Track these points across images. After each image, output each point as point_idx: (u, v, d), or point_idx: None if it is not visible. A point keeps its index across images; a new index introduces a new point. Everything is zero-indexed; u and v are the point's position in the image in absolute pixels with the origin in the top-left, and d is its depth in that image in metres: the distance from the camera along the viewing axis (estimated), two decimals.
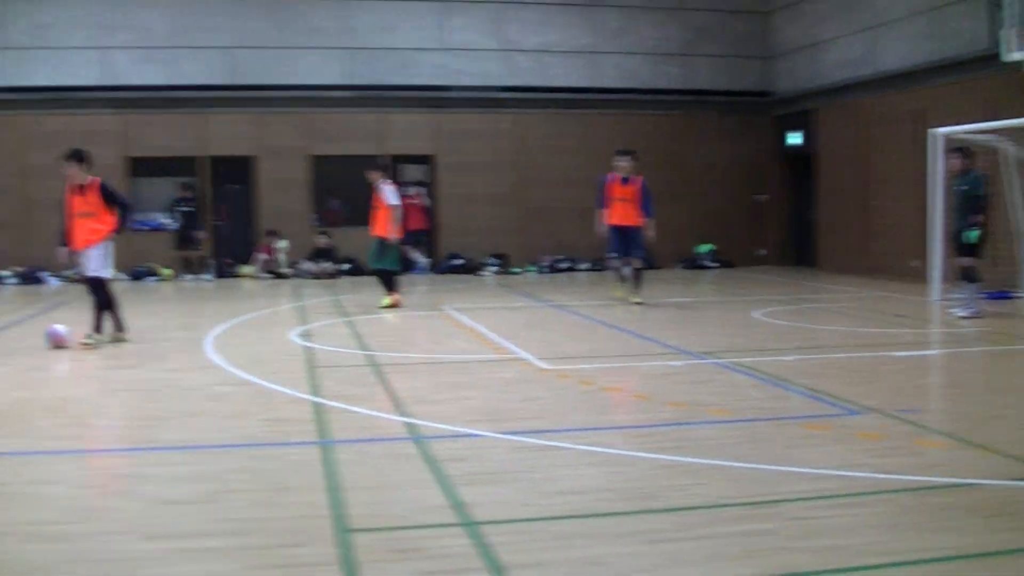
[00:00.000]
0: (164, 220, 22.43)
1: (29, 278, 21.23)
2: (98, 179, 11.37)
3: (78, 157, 11.36)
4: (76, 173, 11.32)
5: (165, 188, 22.47)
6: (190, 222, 21.64)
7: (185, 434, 6.96)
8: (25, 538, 4.84)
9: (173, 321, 14.43)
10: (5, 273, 21.53)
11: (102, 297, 11.37)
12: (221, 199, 22.58)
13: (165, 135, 22.14)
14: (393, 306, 14.88)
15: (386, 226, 14.90)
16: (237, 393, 8.46)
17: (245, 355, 10.56)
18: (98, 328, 11.35)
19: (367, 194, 15.58)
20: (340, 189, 22.81)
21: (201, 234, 21.71)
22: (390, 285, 15.10)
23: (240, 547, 4.67)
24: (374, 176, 15.20)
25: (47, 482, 5.79)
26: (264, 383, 8.77)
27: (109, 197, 11.31)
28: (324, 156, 22.47)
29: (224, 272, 21.95)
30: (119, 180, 21.61)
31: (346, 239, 21.89)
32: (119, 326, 11.61)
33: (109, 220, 11.29)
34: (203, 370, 9.66)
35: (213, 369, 9.71)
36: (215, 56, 22.28)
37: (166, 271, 21.81)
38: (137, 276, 21.68)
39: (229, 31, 22.23)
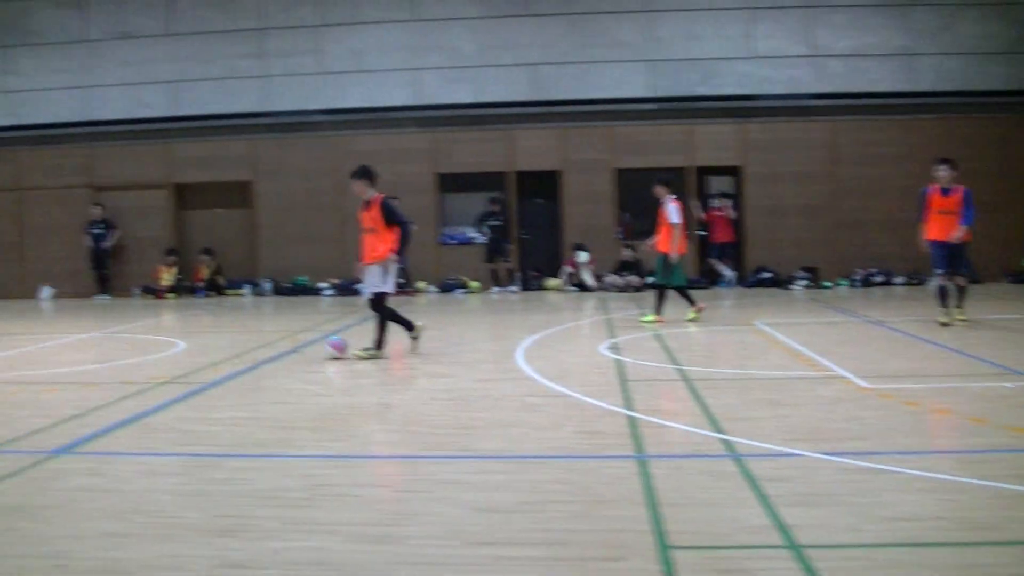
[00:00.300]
0: (473, 234, 23.07)
1: (345, 290, 22.33)
2: (380, 196, 11.66)
3: (363, 174, 11.71)
4: (362, 189, 11.67)
5: (473, 203, 23.12)
6: (499, 236, 22.16)
7: (501, 443, 7.00)
8: (351, 538, 4.96)
9: (482, 332, 14.74)
10: (323, 285, 22.77)
11: (381, 312, 11.69)
12: (527, 213, 22.95)
13: (473, 151, 22.80)
14: (694, 319, 14.74)
15: (668, 243, 14.68)
16: (550, 404, 8.46)
17: (555, 367, 10.59)
18: (379, 344, 11.68)
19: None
20: (645, 202, 22.68)
21: (509, 247, 22.17)
22: (688, 299, 14.93)
23: (558, 558, 4.61)
24: (660, 192, 15.01)
25: (372, 485, 5.94)
26: (576, 395, 8.74)
27: (389, 215, 11.57)
28: (628, 169, 22.43)
29: (530, 285, 22.34)
30: (429, 196, 22.50)
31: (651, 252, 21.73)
32: (378, 343, 11.74)
33: (389, 239, 11.54)
34: (515, 381, 9.74)
35: (524, 380, 9.78)
36: (520, 73, 22.75)
37: (474, 284, 22.40)
38: (446, 288, 22.40)
39: (533, 48, 22.64)
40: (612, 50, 22.56)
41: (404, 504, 5.51)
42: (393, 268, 11.67)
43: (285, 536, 5.03)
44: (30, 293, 24.08)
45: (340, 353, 11.68)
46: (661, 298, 14.95)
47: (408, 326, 12.01)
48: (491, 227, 22.29)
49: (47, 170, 24.64)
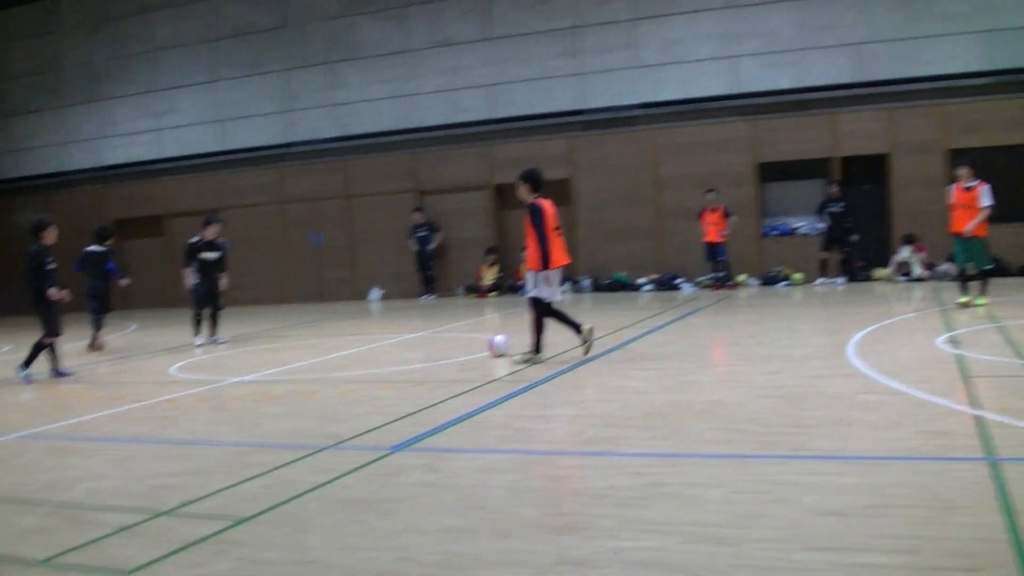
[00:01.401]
0: (795, 224, 22.50)
1: (664, 285, 22.32)
2: (533, 205, 11.51)
3: (526, 178, 11.68)
4: (525, 193, 11.64)
5: (794, 192, 22.55)
6: (839, 223, 21.31)
7: (837, 443, 6.75)
8: (689, 538, 4.90)
9: (810, 327, 14.34)
10: (642, 281, 22.83)
11: (534, 317, 11.67)
12: (853, 200, 22.05)
13: (794, 138, 22.19)
14: (967, 305, 14.58)
15: (970, 224, 14.58)
16: (886, 402, 8.08)
17: (889, 362, 10.13)
18: (536, 348, 11.68)
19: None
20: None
21: (854, 237, 21.29)
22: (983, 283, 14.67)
23: (906, 566, 4.37)
24: (964, 174, 14.72)
25: (707, 485, 5.86)
26: (914, 392, 8.31)
27: (534, 223, 11.46)
28: (963, 149, 21.07)
29: (856, 276, 21.50)
30: (749, 187, 22.09)
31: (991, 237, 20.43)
32: (535, 347, 11.71)
33: (533, 251, 11.49)
34: (847, 377, 9.38)
35: (857, 376, 9.40)
36: (842, 54, 21.97)
37: (797, 276, 21.82)
38: (768, 281, 21.94)
39: (857, 27, 21.80)
40: (941, 23, 21.37)
41: (740, 505, 5.40)
42: (543, 277, 11.56)
43: (622, 535, 5.04)
44: (360, 295, 25.56)
45: (500, 352, 12.02)
46: (979, 280, 14.84)
47: (536, 347, 11.78)
48: (831, 214, 21.43)
49: (373, 177, 26.06)
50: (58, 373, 13.44)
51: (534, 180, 11.69)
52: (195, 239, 17.27)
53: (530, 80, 24.35)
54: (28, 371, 13.17)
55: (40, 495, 6.70)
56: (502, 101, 24.62)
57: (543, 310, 11.73)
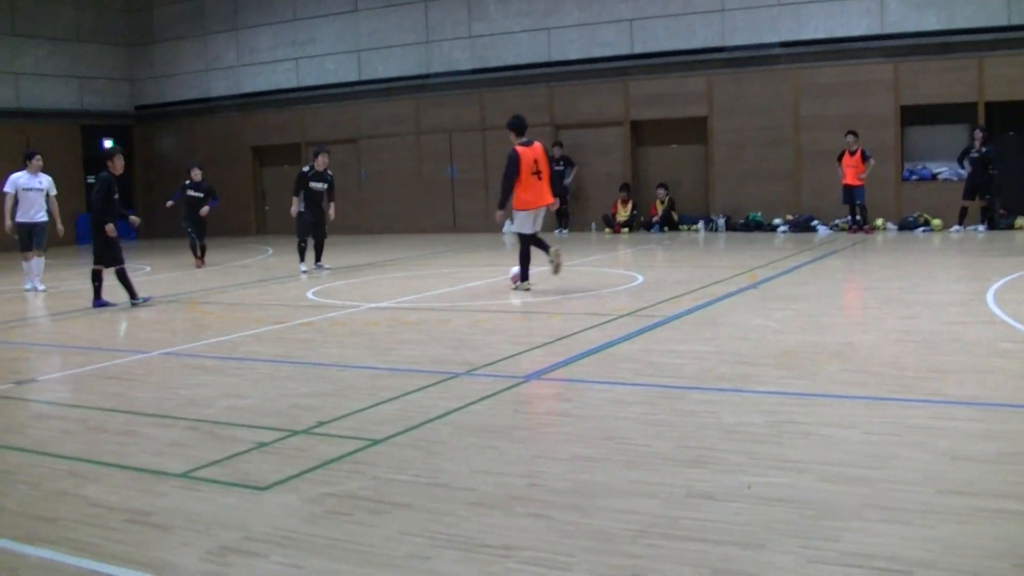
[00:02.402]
0: (936, 170, 21.90)
1: (800, 227, 22.00)
2: (511, 152, 12.76)
3: (510, 125, 12.86)
4: (513, 140, 12.78)
5: (937, 137, 21.91)
6: (983, 170, 20.41)
7: (974, 390, 6.66)
8: (822, 477, 4.92)
9: (949, 273, 14.03)
10: (777, 221, 22.53)
11: (521, 250, 13.05)
12: (998, 147, 21.21)
13: (939, 82, 21.46)
14: None
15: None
16: None
17: None
18: (523, 276, 13.05)
19: None
20: None
21: (995, 181, 20.43)
22: None
23: None
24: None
25: (840, 425, 5.85)
26: None
27: (506, 171, 12.84)
28: None
29: (998, 224, 20.80)
30: (890, 130, 21.51)
31: None
32: (524, 275, 13.06)
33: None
34: (987, 324, 9.19)
35: (997, 324, 9.20)
36: None
37: (936, 222, 21.26)
38: (906, 226, 21.43)
39: None
40: None
41: (873, 447, 5.39)
42: (520, 216, 12.94)
43: (752, 471, 5.09)
44: (494, 228, 25.72)
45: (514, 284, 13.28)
46: None
47: (545, 249, 13.02)
48: (974, 160, 20.55)
49: (510, 110, 26.04)
50: (101, 303, 13.37)
51: (516, 127, 12.87)
52: (306, 169, 17.52)
53: (671, 16, 23.98)
54: (139, 298, 13.35)
55: (179, 411, 7.00)
56: (642, 36, 24.33)
57: (527, 242, 13.00)
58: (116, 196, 13.27)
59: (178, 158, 28.96)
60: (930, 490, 4.66)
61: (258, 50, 29.93)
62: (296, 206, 17.24)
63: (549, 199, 13.01)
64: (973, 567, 3.78)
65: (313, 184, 17.31)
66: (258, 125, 30.14)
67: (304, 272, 17.00)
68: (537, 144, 13.04)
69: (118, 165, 13.26)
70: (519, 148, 12.72)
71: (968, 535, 4.11)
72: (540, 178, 12.78)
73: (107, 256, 13.26)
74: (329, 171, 17.62)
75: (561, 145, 24.89)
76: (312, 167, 17.39)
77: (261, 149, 30.42)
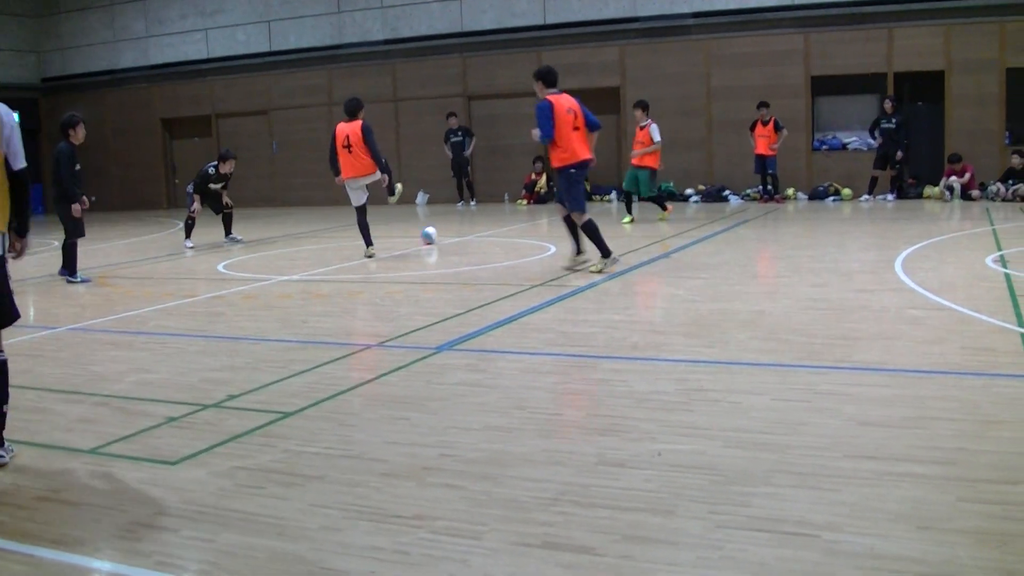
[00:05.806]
0: (846, 140, 22.21)
1: (712, 197, 22.21)
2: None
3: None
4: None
5: (846, 107, 22.22)
6: (892, 140, 20.85)
7: (881, 356, 6.76)
8: (730, 443, 4.96)
9: (856, 242, 14.23)
10: (689, 192, 22.73)
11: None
12: (907, 118, 21.54)
13: (849, 52, 21.73)
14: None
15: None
16: (932, 318, 8.06)
17: (937, 279, 10.07)
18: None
19: None
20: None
21: (900, 155, 20.81)
22: None
23: (947, 477, 4.40)
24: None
25: (750, 392, 5.90)
26: (961, 309, 8.28)
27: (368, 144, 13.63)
28: (1021, 68, 20.63)
29: (907, 193, 21.19)
30: (801, 100, 21.77)
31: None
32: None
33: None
34: (894, 292, 9.34)
35: (905, 291, 9.36)
36: None
37: (846, 191, 21.60)
38: (816, 196, 21.75)
39: None
40: None
41: (782, 413, 5.44)
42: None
43: (663, 438, 5.10)
44: (407, 199, 25.55)
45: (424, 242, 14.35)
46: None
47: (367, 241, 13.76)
48: (884, 130, 20.89)
49: (422, 81, 25.89)
50: (66, 274, 12.97)
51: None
52: (210, 170, 17.08)
53: None
54: (77, 276, 12.89)
55: (89, 387, 6.85)
56: (555, 6, 24.27)
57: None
58: (78, 168, 12.71)
59: (87, 130, 28.25)
60: (838, 455, 4.71)
61: (167, 20, 29.30)
62: (194, 204, 16.92)
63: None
64: (879, 529, 3.84)
65: (213, 186, 17.06)
66: (168, 97, 29.54)
67: (190, 247, 16.72)
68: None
69: (80, 134, 12.69)
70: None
71: (874, 498, 4.16)
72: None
73: (79, 229, 12.81)
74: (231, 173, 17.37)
75: (455, 115, 24.80)
76: (216, 169, 17.05)
77: (171, 121, 29.83)
